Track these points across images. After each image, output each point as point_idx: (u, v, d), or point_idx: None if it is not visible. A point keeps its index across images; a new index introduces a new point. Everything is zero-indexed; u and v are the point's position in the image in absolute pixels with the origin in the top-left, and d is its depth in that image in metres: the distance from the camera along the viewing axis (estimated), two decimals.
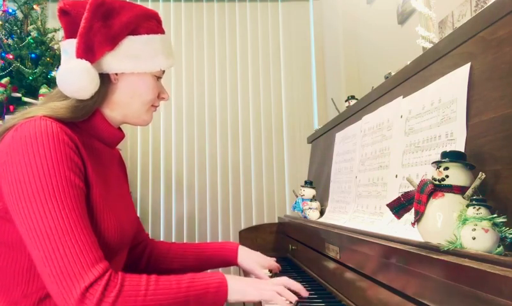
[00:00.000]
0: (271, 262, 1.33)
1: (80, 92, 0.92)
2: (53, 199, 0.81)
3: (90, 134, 0.99)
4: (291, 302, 0.97)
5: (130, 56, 0.96)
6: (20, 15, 2.63)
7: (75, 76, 0.90)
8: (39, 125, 0.85)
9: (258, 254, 1.33)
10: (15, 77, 2.40)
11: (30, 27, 2.57)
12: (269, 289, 0.98)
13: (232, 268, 1.37)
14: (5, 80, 2.32)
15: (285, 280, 1.03)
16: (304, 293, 1.03)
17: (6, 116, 2.24)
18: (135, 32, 0.97)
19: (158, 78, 1.04)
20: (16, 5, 2.63)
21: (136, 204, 3.13)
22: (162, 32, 1.03)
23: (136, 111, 1.02)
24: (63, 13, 0.96)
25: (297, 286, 1.03)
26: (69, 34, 0.96)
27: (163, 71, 1.04)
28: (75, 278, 0.80)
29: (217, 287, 0.92)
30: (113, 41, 0.94)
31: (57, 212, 0.81)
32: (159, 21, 1.04)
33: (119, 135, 1.06)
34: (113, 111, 1.01)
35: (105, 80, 0.96)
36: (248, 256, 1.29)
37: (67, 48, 0.96)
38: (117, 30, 0.94)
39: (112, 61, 0.95)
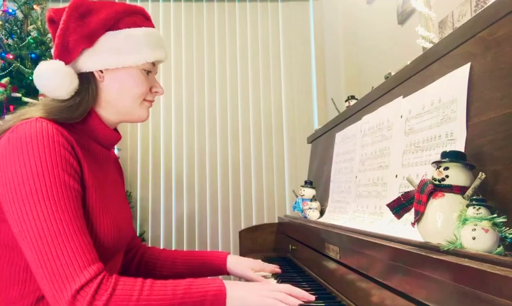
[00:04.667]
0: (264, 265, 1.28)
1: (56, 92, 0.92)
2: (46, 201, 0.81)
3: (86, 136, 0.99)
4: None
5: (111, 51, 0.96)
6: (20, 15, 2.63)
7: (46, 77, 0.91)
8: (35, 126, 0.85)
9: (249, 259, 1.29)
10: (15, 77, 2.39)
11: (30, 27, 2.57)
12: (271, 297, 0.92)
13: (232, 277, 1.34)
14: (5, 80, 2.32)
15: (287, 287, 0.97)
16: (311, 298, 0.97)
17: (6, 117, 2.24)
18: (114, 27, 0.96)
19: (148, 72, 1.02)
20: (16, 5, 2.63)
21: (136, 204, 3.13)
22: (149, 26, 1.02)
23: (128, 107, 1.01)
24: (51, 22, 0.97)
25: (302, 294, 0.96)
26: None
27: (153, 64, 1.02)
28: (66, 280, 0.79)
29: (215, 295, 0.88)
30: (90, 38, 0.94)
31: (50, 213, 0.80)
32: (146, 17, 1.03)
33: (115, 136, 1.05)
34: (106, 110, 1.01)
35: (91, 78, 0.97)
36: (238, 262, 1.26)
37: None
38: (93, 27, 0.94)
39: (92, 58, 0.95)
